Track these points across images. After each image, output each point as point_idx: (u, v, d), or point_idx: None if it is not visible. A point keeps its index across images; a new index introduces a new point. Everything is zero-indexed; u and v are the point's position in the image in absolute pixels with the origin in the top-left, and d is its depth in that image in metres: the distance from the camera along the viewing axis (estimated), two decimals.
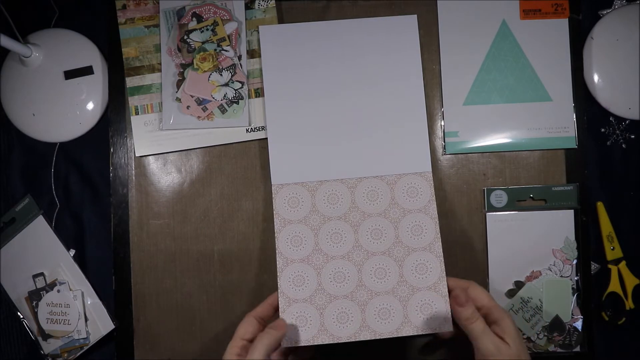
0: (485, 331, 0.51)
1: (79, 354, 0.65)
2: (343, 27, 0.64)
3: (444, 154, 0.64)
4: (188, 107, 0.64)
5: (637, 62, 0.66)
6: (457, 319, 0.53)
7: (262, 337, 0.52)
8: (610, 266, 0.65)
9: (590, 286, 0.63)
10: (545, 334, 0.62)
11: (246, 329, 0.53)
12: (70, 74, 0.67)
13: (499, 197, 0.63)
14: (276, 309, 0.58)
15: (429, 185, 0.61)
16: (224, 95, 0.64)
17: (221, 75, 0.64)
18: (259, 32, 0.64)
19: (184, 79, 0.64)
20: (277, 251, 0.59)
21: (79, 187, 0.68)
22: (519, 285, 0.63)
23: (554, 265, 0.63)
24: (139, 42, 0.65)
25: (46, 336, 0.65)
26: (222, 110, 0.64)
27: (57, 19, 0.69)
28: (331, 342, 0.57)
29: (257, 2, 0.65)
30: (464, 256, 0.63)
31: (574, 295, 0.62)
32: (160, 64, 0.64)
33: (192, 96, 0.64)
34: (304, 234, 0.60)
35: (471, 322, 0.52)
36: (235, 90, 0.64)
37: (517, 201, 0.63)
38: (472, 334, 0.51)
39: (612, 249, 0.65)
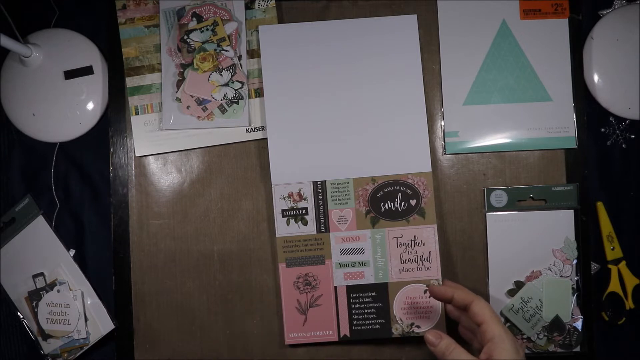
0: (461, 359, 0.50)
1: (79, 354, 0.65)
2: (343, 27, 0.64)
3: (444, 154, 0.64)
4: (188, 107, 0.64)
5: (637, 62, 0.66)
6: (436, 355, 0.53)
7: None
8: (610, 266, 0.65)
9: (590, 286, 0.63)
10: (545, 334, 0.62)
11: None
12: (70, 74, 0.67)
13: (499, 197, 0.63)
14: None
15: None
16: (224, 95, 0.64)
17: (221, 75, 0.64)
18: (258, 32, 0.64)
19: (184, 79, 0.64)
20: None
21: (79, 187, 0.68)
22: (519, 285, 0.63)
23: (554, 265, 0.63)
24: (139, 42, 0.65)
25: (46, 336, 0.65)
26: (222, 110, 0.64)
27: (57, 19, 0.69)
28: None
29: (257, 2, 0.65)
30: (464, 256, 0.63)
31: (574, 295, 0.62)
32: (160, 64, 0.64)
33: (192, 96, 0.64)
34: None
35: (448, 354, 0.51)
36: (235, 90, 0.64)
37: (517, 201, 0.63)
38: None
39: (612, 249, 0.65)
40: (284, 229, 0.62)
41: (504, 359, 0.49)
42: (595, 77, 0.66)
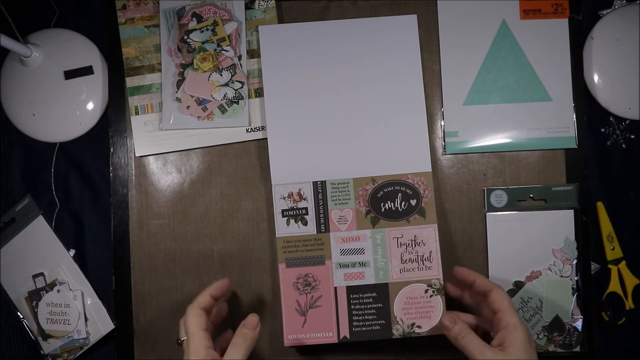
0: (472, 344, 0.52)
1: (79, 354, 0.65)
2: (343, 27, 0.64)
3: (444, 154, 0.64)
4: (188, 107, 0.64)
5: (637, 62, 0.66)
6: (449, 339, 0.55)
7: (238, 338, 0.52)
8: (610, 266, 0.65)
9: (590, 286, 0.63)
10: (545, 334, 0.62)
11: (197, 321, 0.53)
12: (70, 74, 0.67)
13: (499, 197, 0.63)
14: (216, 299, 0.57)
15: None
16: (224, 95, 0.64)
17: (221, 75, 0.64)
18: (259, 32, 0.64)
19: (184, 79, 0.64)
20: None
21: (79, 187, 0.68)
22: (519, 285, 0.63)
23: (554, 265, 0.63)
24: (139, 42, 0.65)
25: (46, 336, 0.65)
26: (222, 110, 0.64)
27: (57, 19, 0.69)
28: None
29: (257, 2, 0.65)
30: (464, 256, 0.63)
31: (574, 295, 0.62)
32: (160, 64, 0.64)
33: (192, 96, 0.64)
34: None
35: (460, 338, 0.53)
36: (235, 90, 0.64)
37: (517, 201, 0.63)
38: (463, 350, 0.53)
39: (612, 249, 0.65)
40: (284, 229, 0.62)
41: (516, 346, 0.50)
42: (595, 77, 0.66)
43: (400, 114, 0.63)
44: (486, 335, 0.55)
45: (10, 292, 0.66)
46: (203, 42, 0.64)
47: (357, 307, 0.61)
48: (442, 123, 0.65)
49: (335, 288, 0.61)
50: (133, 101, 0.65)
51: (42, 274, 0.66)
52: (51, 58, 0.67)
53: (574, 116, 0.64)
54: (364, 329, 0.60)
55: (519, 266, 0.63)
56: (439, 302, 0.60)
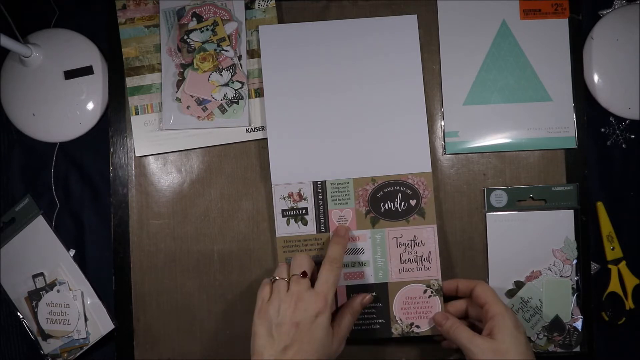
0: (462, 334, 0.54)
1: (78, 354, 0.65)
2: (343, 27, 0.64)
3: (444, 154, 0.64)
4: (188, 107, 0.64)
5: (637, 62, 0.66)
6: (442, 333, 0.58)
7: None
8: (610, 266, 0.65)
9: (590, 286, 0.63)
10: (545, 334, 0.62)
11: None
12: (70, 74, 0.67)
13: (499, 197, 0.63)
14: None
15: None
16: (224, 95, 0.64)
17: (221, 75, 0.64)
18: (259, 32, 0.64)
19: (184, 79, 0.64)
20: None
21: (79, 187, 0.68)
22: (519, 285, 0.63)
23: (554, 265, 0.63)
24: (139, 42, 0.65)
25: (46, 336, 0.65)
26: (222, 110, 0.64)
27: (57, 19, 0.69)
28: None
29: (257, 2, 0.65)
30: (464, 256, 0.63)
31: (574, 295, 0.62)
32: (160, 64, 0.64)
33: (192, 96, 0.64)
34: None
35: (452, 332, 0.55)
36: (235, 90, 0.64)
37: (517, 201, 0.63)
38: (456, 342, 0.55)
39: (612, 249, 0.65)
40: (284, 229, 0.62)
41: (504, 332, 0.52)
42: (595, 77, 0.66)
43: (400, 114, 0.63)
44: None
45: (10, 292, 0.66)
46: (203, 42, 0.64)
47: None
48: (442, 123, 0.65)
49: None
50: (133, 101, 0.65)
51: (42, 274, 0.66)
52: (51, 58, 0.67)
53: (574, 116, 0.64)
54: (363, 327, 0.61)
55: (519, 266, 0.63)
56: (437, 302, 0.60)
